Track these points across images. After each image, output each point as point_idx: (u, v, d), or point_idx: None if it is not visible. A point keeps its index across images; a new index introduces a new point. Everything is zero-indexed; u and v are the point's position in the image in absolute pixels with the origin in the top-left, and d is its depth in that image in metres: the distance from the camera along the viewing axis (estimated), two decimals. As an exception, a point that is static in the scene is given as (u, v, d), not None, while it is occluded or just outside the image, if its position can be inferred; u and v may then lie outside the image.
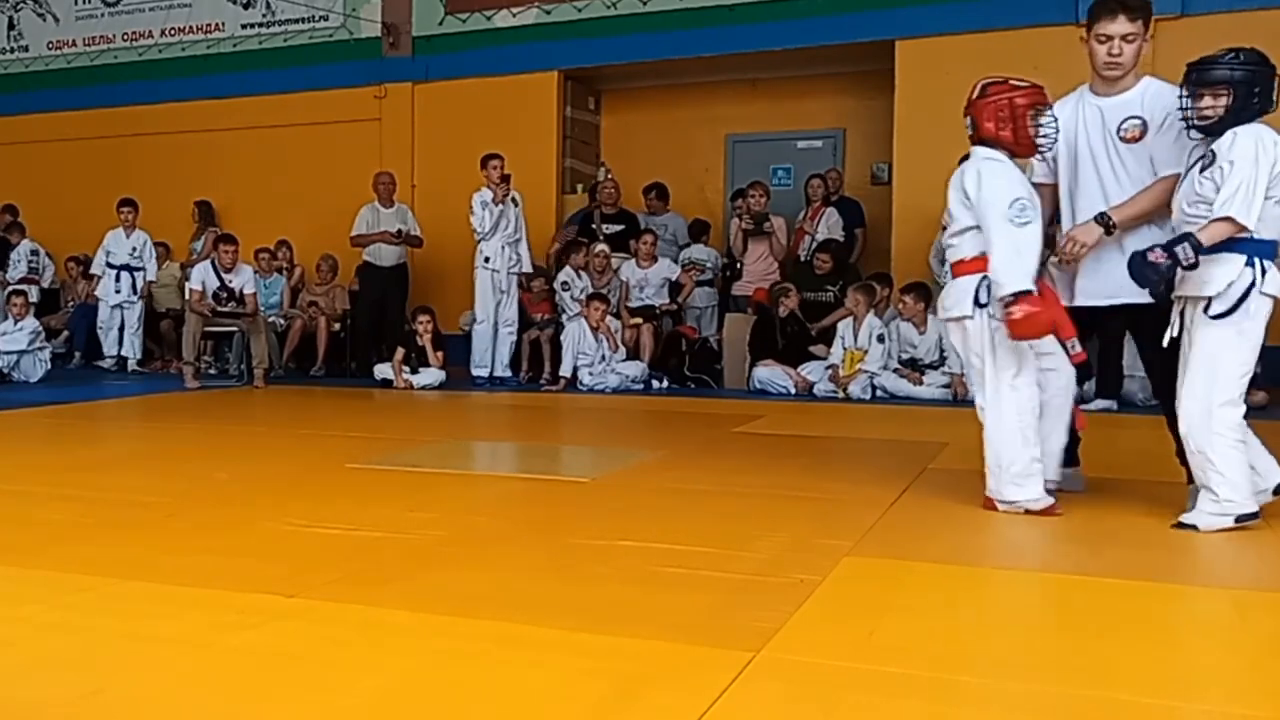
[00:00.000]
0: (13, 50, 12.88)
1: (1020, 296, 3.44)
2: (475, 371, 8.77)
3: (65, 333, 10.81)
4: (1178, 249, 3.26)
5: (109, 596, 2.64)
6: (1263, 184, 3.28)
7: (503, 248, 8.73)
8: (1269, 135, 3.35)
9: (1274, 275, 3.37)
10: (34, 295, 10.06)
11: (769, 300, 8.54)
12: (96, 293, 10.05)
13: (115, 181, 11.89)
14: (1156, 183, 3.60)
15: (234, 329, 8.98)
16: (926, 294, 7.92)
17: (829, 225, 9.22)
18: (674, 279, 9.18)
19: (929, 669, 2.13)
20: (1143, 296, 3.48)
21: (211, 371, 9.91)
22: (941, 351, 7.80)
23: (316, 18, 11.35)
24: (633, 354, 8.76)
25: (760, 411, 6.89)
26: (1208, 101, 3.37)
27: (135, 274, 10.13)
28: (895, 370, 7.87)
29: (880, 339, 7.87)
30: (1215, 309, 3.33)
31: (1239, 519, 3.37)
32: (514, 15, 10.58)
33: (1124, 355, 7.07)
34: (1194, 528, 3.39)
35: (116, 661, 2.18)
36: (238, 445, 5.53)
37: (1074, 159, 3.75)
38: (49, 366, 9.17)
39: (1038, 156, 3.76)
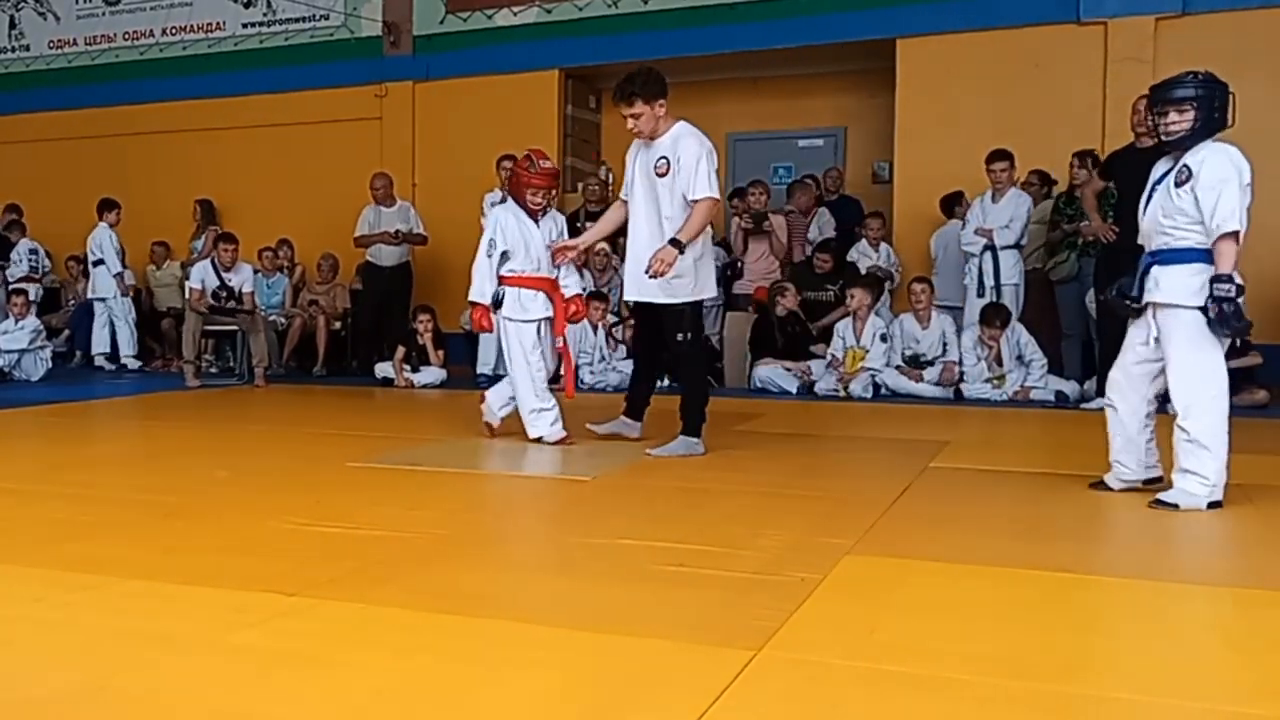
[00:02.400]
0: (14, 49, 12.89)
1: (475, 305, 5.21)
2: (480, 369, 8.77)
3: (66, 331, 10.81)
4: (1220, 290, 3.59)
5: (109, 595, 2.64)
6: (1244, 189, 3.61)
7: None
8: (1235, 152, 3.68)
9: (1236, 280, 3.65)
10: (34, 294, 10.05)
11: (768, 299, 8.54)
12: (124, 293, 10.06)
13: (116, 181, 11.90)
14: (694, 209, 4.78)
15: (235, 328, 8.97)
16: (932, 286, 7.97)
17: (820, 225, 9.23)
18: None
19: (930, 667, 2.13)
20: (653, 296, 4.85)
21: (212, 370, 9.90)
22: (944, 346, 7.80)
23: (317, 17, 11.35)
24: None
25: (761, 410, 6.89)
26: (1173, 117, 3.71)
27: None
28: (897, 367, 7.86)
29: (884, 338, 7.86)
30: (1214, 313, 3.60)
31: (1212, 504, 3.64)
32: (515, 14, 10.57)
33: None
34: (1176, 506, 3.65)
35: (117, 659, 2.18)
36: (238, 444, 5.53)
37: (633, 186, 5.01)
38: (50, 365, 9.18)
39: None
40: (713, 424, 6.13)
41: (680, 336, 4.93)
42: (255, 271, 9.41)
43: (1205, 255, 3.69)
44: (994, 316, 7.55)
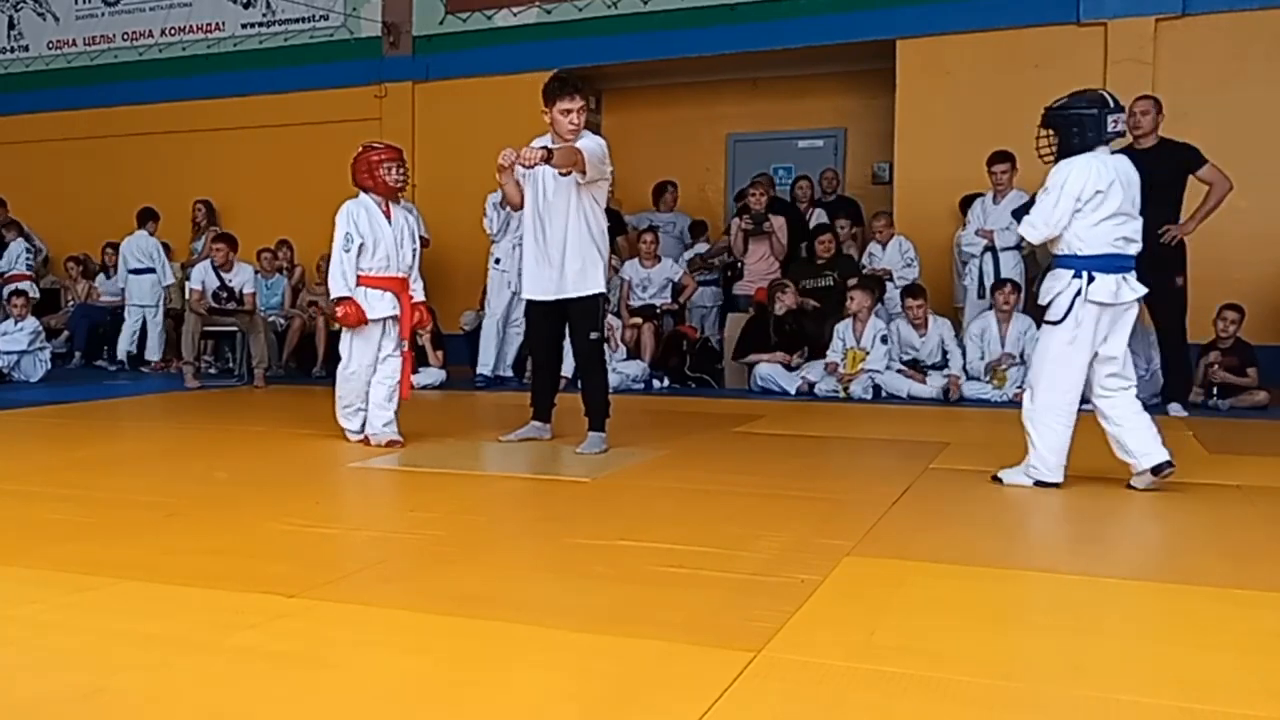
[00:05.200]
0: (13, 50, 12.89)
1: (341, 300, 5.14)
2: (479, 370, 8.77)
3: (65, 332, 10.81)
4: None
5: (109, 596, 2.64)
6: (1064, 207, 3.95)
7: (513, 248, 8.71)
8: (1083, 164, 3.98)
9: (1100, 285, 3.95)
10: (34, 292, 10.07)
11: (767, 297, 8.54)
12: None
13: (115, 181, 11.90)
14: (570, 146, 4.82)
15: (234, 329, 8.97)
16: (926, 295, 7.95)
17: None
18: (676, 279, 9.17)
19: (930, 669, 2.13)
20: (549, 295, 5.01)
21: (212, 371, 9.90)
22: (944, 353, 7.78)
23: (317, 17, 11.35)
24: (633, 353, 8.75)
25: (761, 411, 6.89)
26: (1040, 140, 4.16)
27: None
28: (898, 370, 7.85)
29: (884, 339, 7.85)
30: (1048, 315, 4.05)
31: (1038, 483, 4.07)
32: (514, 15, 10.58)
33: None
34: (1000, 480, 4.15)
35: (116, 661, 2.18)
36: (238, 445, 5.52)
37: (534, 176, 4.99)
38: (49, 366, 9.17)
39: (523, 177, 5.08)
40: (712, 425, 6.14)
41: (594, 335, 5.11)
42: (255, 272, 9.40)
43: (1063, 261, 4.03)
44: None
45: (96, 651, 2.23)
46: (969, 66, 9.04)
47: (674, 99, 10.60)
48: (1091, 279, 3.94)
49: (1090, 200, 3.93)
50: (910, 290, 7.99)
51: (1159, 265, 6.69)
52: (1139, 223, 4.04)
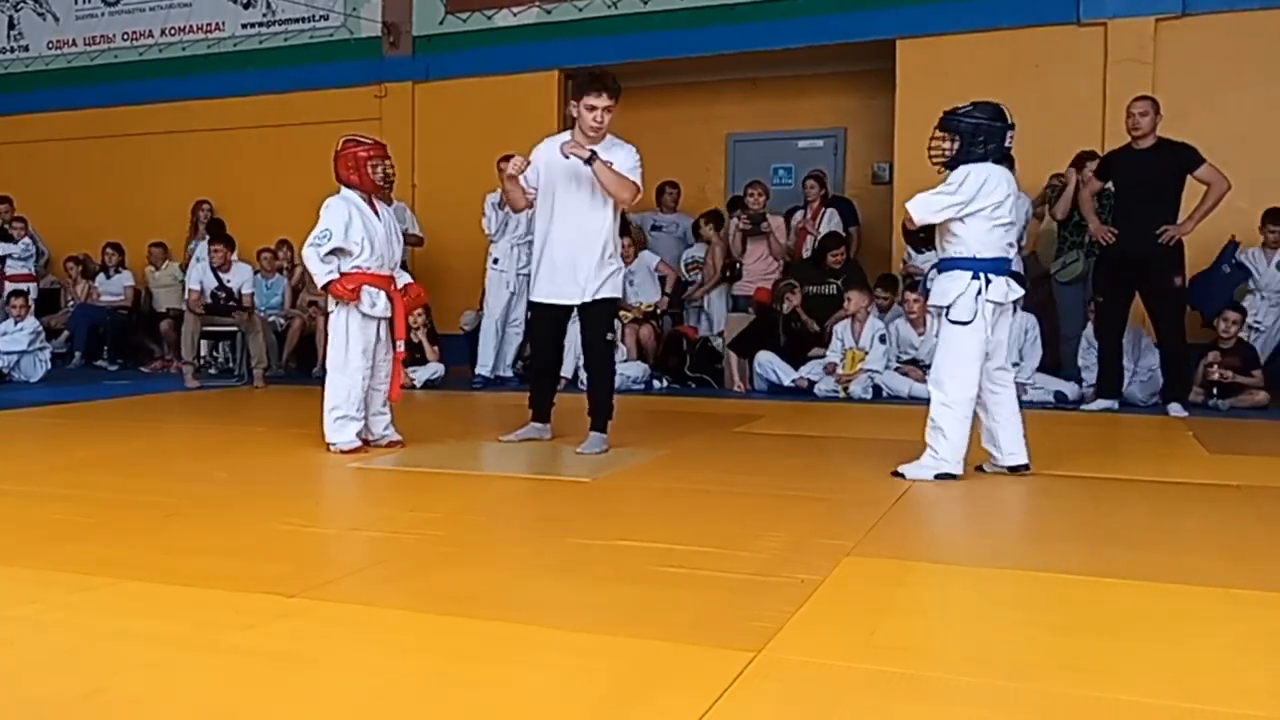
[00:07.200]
0: (13, 50, 12.88)
1: (328, 286, 4.92)
2: (478, 370, 8.77)
3: (65, 333, 10.81)
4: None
5: (109, 596, 2.64)
6: (952, 204, 4.21)
7: (512, 248, 8.73)
8: (984, 172, 4.21)
9: (995, 286, 4.21)
10: (34, 293, 10.06)
11: (772, 297, 8.54)
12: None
13: (115, 181, 11.90)
14: (627, 180, 4.92)
15: (234, 329, 8.97)
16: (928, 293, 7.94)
17: (830, 225, 9.23)
18: (652, 267, 9.17)
19: (929, 669, 2.13)
20: (572, 300, 5.00)
21: (212, 371, 9.90)
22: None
23: (317, 17, 11.34)
24: (638, 355, 8.75)
25: (761, 411, 6.89)
26: (936, 142, 4.34)
27: None
28: (897, 369, 7.85)
29: (882, 339, 7.85)
30: (954, 315, 4.22)
31: (939, 475, 4.18)
32: (514, 15, 10.58)
33: (1124, 357, 7.08)
34: (902, 475, 4.21)
35: (116, 661, 2.18)
36: (238, 445, 5.52)
37: (553, 177, 4.99)
38: (49, 366, 9.17)
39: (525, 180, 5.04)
40: (712, 425, 6.14)
41: (609, 336, 5.12)
42: (255, 272, 9.40)
43: (961, 263, 4.24)
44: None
45: (96, 651, 2.23)
46: (969, 66, 9.02)
47: (674, 99, 10.59)
48: (988, 280, 4.21)
49: (986, 209, 4.19)
50: (911, 285, 8.00)
51: (1158, 265, 6.70)
52: (1016, 229, 4.37)
